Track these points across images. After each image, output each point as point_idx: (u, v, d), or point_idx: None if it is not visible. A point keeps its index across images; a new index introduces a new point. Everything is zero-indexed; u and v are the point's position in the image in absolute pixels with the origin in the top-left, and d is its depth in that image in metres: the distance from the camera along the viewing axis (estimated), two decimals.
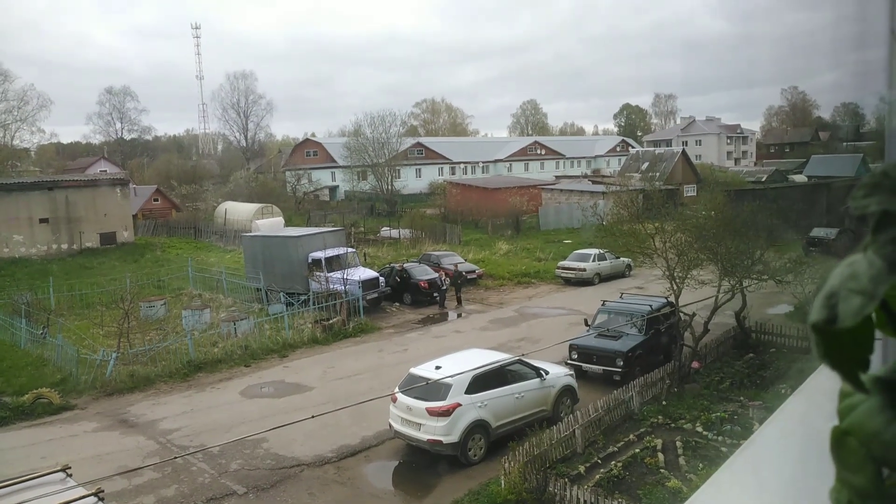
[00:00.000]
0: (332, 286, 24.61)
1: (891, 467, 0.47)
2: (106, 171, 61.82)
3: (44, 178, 46.11)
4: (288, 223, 44.10)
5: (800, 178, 57.17)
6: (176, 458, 13.18)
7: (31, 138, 70.66)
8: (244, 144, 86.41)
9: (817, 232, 29.54)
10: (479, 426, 13.23)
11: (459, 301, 27.22)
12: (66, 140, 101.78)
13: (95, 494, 8.01)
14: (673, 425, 14.29)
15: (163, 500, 12.27)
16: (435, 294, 26.98)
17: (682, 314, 16.73)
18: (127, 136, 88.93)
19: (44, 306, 26.34)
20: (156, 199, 55.80)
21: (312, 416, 9.12)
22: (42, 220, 38.98)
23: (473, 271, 30.86)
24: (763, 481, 1.15)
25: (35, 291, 27.75)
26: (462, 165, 77.18)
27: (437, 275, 27.70)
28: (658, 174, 55.14)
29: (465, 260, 32.55)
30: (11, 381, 18.72)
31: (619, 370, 16.66)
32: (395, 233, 43.40)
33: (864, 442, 0.47)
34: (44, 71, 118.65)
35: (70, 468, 8.78)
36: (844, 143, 68.96)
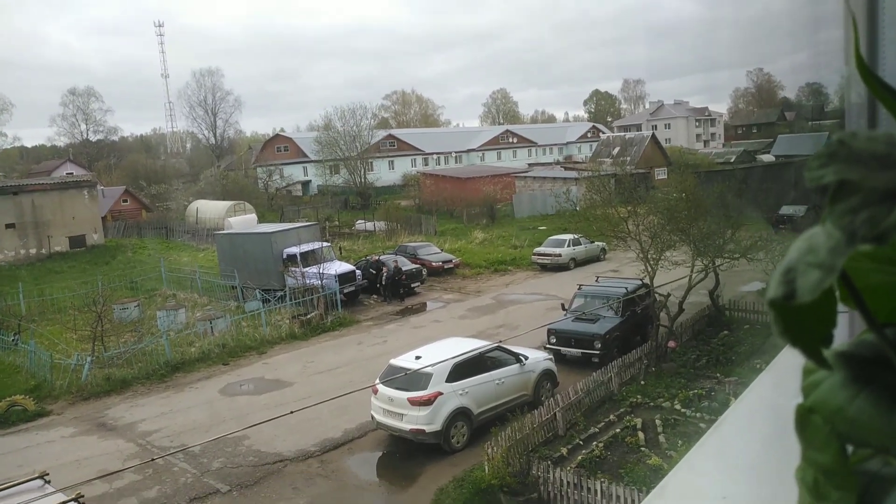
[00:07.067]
0: (308, 281, 24.45)
1: (855, 444, 0.46)
2: (72, 173, 60.32)
3: (8, 182, 45.06)
4: (261, 220, 43.52)
5: (768, 158, 57.79)
6: (156, 458, 13.04)
7: None
8: (213, 142, 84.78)
9: (786, 209, 29.97)
10: (461, 414, 13.30)
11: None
12: (29, 143, 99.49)
13: (75, 500, 7.93)
14: (652, 404, 14.49)
15: (145, 502, 12.17)
16: (413, 285, 26.89)
17: (657, 295, 16.94)
18: (93, 138, 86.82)
19: (14, 312, 25.79)
20: (125, 201, 54.76)
21: (291, 412, 9.08)
22: (8, 226, 38.13)
23: (450, 261, 30.85)
24: (733, 461, 1.17)
25: (4, 298, 27.17)
26: (435, 156, 76.89)
27: (413, 266, 27.65)
28: (629, 158, 55.31)
29: (442, 250, 32.52)
30: None
31: (598, 352, 16.82)
32: (370, 225, 43.15)
33: (829, 418, 0.46)
34: (0, 72, 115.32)
35: (48, 474, 8.65)
36: (810, 122, 69.87)
